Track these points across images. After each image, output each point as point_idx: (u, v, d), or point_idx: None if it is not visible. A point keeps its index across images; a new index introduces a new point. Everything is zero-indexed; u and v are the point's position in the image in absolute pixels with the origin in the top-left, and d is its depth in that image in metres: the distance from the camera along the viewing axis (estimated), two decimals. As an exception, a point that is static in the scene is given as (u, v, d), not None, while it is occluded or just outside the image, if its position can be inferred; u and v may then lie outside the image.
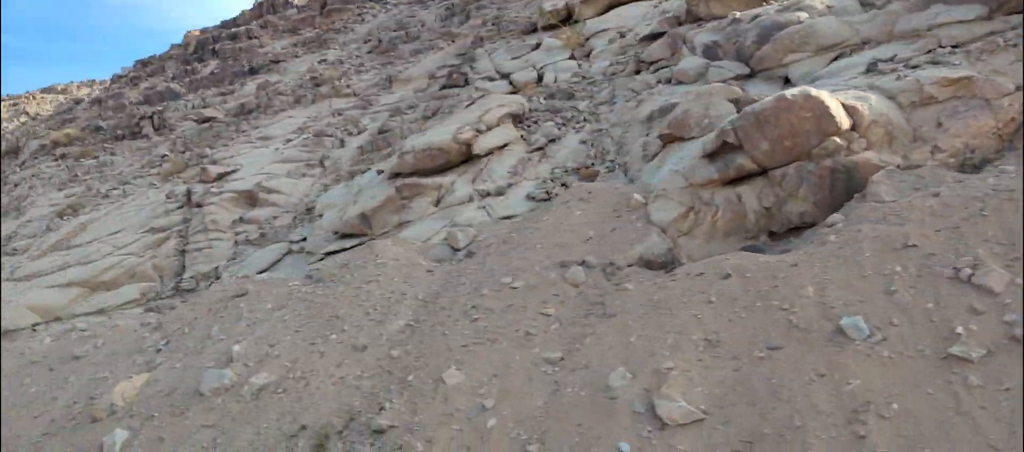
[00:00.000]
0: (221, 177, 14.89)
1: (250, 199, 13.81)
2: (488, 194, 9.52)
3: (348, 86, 20.22)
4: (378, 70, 21.26)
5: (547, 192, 9.12)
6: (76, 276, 12.23)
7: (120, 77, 36.20)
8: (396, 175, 10.29)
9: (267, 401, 6.27)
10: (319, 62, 24.21)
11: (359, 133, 15.88)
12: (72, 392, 7.61)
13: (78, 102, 37.45)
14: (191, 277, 11.96)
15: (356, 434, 5.70)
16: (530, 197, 9.20)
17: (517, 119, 11.06)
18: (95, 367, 8.11)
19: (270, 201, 13.53)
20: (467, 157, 10.10)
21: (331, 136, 15.73)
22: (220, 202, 13.56)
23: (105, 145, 23.77)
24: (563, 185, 9.19)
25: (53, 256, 13.58)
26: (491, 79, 14.57)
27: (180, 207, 14.16)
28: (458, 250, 8.32)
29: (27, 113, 45.70)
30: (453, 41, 21.48)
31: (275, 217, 13.06)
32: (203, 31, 35.01)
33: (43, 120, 35.92)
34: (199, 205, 13.91)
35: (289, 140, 16.65)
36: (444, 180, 9.83)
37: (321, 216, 11.60)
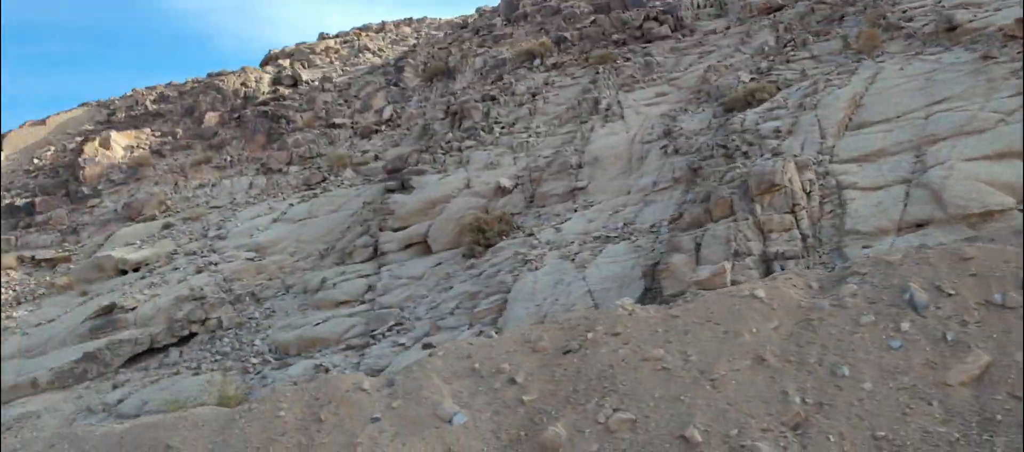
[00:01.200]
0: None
1: (1080, 52, 12.70)
2: None
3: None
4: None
5: None
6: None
7: (500, -1, 36.63)
8: None
9: None
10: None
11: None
12: None
13: (453, 29, 38.56)
14: None
15: None
16: None
17: None
18: None
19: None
20: None
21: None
22: (1057, 58, 12.55)
23: (615, 50, 23.85)
24: None
25: (852, 137, 13.24)
26: None
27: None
28: None
29: (368, 49, 47.93)
30: None
31: None
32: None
33: (439, 45, 36.81)
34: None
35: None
36: None
37: None
